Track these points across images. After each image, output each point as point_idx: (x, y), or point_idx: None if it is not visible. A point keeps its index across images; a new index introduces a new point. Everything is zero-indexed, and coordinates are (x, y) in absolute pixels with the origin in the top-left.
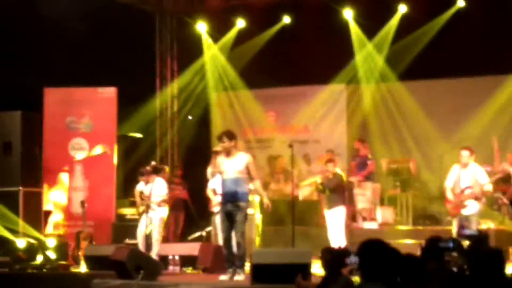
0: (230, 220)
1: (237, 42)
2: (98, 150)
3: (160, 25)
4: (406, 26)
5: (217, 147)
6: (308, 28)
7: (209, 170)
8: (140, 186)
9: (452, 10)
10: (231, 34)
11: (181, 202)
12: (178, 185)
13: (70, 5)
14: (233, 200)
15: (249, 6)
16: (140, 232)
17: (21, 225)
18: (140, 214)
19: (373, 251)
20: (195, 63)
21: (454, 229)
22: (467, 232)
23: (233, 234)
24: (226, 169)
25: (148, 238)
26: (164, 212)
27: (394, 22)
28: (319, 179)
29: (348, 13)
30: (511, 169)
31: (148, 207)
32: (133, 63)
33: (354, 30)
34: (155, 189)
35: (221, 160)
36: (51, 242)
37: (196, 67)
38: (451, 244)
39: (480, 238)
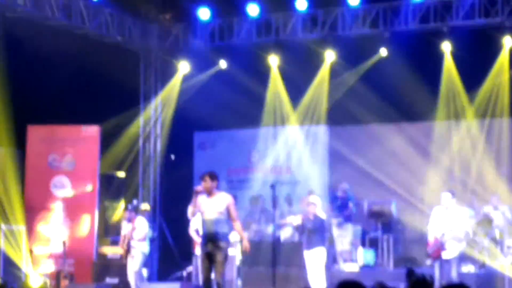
0: (210, 260)
1: (219, 82)
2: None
3: (145, 65)
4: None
5: (198, 186)
6: (292, 69)
7: (190, 209)
8: (124, 230)
9: None
10: (208, 73)
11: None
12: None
13: (55, 43)
14: (213, 240)
15: (233, 48)
16: (130, 273)
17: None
18: (125, 257)
19: None
20: (178, 102)
21: (436, 272)
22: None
23: (213, 275)
24: (207, 209)
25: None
26: (144, 247)
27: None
28: (300, 220)
29: (329, 55)
30: (492, 213)
31: (129, 246)
32: (117, 102)
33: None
34: (136, 228)
35: (202, 200)
36: (37, 281)
37: (179, 106)
38: None
39: None
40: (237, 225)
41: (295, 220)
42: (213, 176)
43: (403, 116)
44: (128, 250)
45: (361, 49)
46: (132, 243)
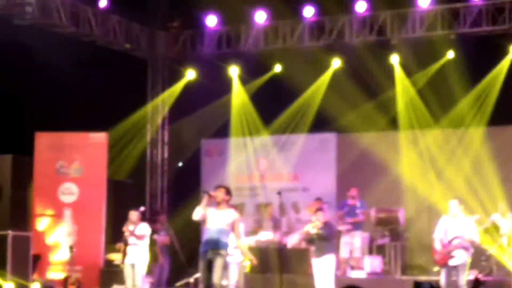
0: (210, 269)
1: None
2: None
3: (152, 72)
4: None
5: (213, 193)
6: (298, 77)
7: (199, 209)
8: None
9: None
10: (216, 81)
11: (165, 247)
12: (160, 230)
13: (63, 51)
14: (214, 248)
15: (241, 54)
16: (128, 278)
17: (9, 269)
18: (123, 258)
19: None
20: (185, 110)
21: (442, 279)
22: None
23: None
24: (213, 219)
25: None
26: (145, 255)
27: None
28: (311, 229)
29: (336, 62)
30: (500, 220)
31: (126, 244)
32: (124, 109)
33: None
34: (137, 230)
35: (209, 210)
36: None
37: (186, 113)
38: None
39: None
40: (240, 242)
41: (308, 231)
42: (228, 191)
43: (408, 124)
44: (126, 252)
45: (368, 56)
46: (132, 240)
